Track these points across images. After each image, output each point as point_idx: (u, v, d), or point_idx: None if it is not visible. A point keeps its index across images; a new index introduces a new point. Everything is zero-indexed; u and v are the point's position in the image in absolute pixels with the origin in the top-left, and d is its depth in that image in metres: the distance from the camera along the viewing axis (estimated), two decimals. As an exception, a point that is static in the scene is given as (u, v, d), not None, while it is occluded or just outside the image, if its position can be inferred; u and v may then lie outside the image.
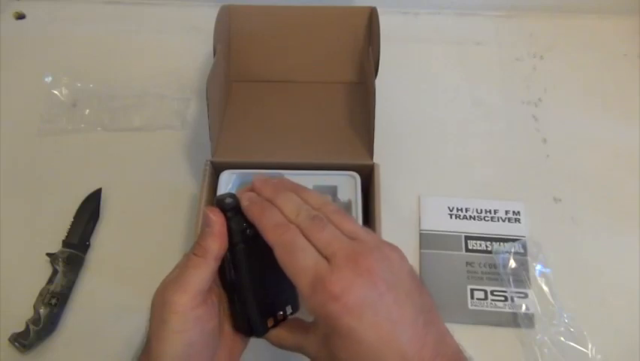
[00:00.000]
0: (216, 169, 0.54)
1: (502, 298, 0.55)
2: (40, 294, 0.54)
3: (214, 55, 0.56)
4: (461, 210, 0.60)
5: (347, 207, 0.51)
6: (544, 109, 0.70)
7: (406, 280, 0.30)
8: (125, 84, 0.70)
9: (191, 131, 0.67)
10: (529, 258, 0.57)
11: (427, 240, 0.59)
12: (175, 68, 0.72)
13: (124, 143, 0.66)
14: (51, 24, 0.78)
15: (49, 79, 0.70)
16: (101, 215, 0.60)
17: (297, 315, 0.37)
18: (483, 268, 0.57)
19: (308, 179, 0.52)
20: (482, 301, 0.55)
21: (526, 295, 0.55)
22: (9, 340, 0.51)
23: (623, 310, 0.55)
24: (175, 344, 0.31)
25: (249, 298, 0.34)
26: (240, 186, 0.53)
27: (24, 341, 0.51)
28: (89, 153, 0.65)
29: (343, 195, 0.52)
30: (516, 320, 0.53)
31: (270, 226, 0.32)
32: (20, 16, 0.79)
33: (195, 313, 0.32)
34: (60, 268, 0.55)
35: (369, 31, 0.63)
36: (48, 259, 0.56)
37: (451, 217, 0.60)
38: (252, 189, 0.35)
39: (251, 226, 0.33)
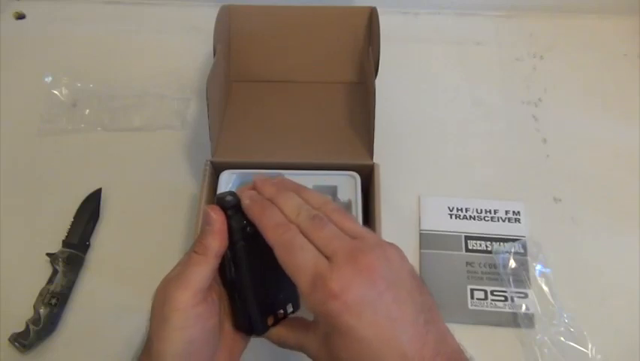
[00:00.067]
0: (216, 169, 0.54)
1: (502, 298, 0.55)
2: (40, 294, 0.54)
3: (214, 55, 0.56)
4: (461, 210, 0.60)
5: (347, 207, 0.51)
6: (544, 109, 0.70)
7: (406, 278, 0.30)
8: (125, 84, 0.70)
9: (191, 131, 0.67)
10: (529, 258, 0.57)
11: (427, 240, 0.59)
12: (175, 68, 0.72)
13: (124, 143, 0.66)
14: (51, 24, 0.78)
15: (49, 79, 0.70)
16: (101, 215, 0.60)
17: (298, 314, 0.37)
18: (483, 268, 0.57)
19: (308, 179, 0.52)
20: (482, 301, 0.55)
21: (526, 295, 0.55)
22: (9, 340, 0.51)
23: (623, 310, 0.55)
24: (176, 342, 0.31)
25: (249, 296, 0.34)
26: (240, 187, 0.53)
27: (24, 341, 0.51)
28: (89, 153, 0.65)
29: (343, 195, 0.52)
30: (516, 320, 0.53)
31: (271, 226, 0.32)
32: (20, 16, 0.79)
33: (196, 310, 0.32)
34: (60, 268, 0.55)
35: (369, 31, 0.63)
36: (48, 259, 0.56)
37: (451, 217, 0.60)
38: (253, 188, 0.35)
39: (251, 223, 0.33)
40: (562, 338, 0.52)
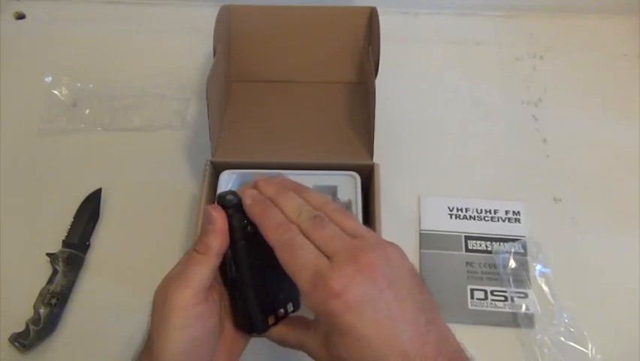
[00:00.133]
0: (216, 169, 0.54)
1: (502, 298, 0.55)
2: (40, 294, 0.54)
3: (214, 55, 0.56)
4: (461, 210, 0.60)
5: (347, 207, 0.51)
6: (544, 109, 0.70)
7: (406, 277, 0.30)
8: (125, 84, 0.70)
9: (191, 131, 0.67)
10: (529, 258, 0.57)
11: (427, 240, 0.59)
12: (175, 68, 0.72)
13: (124, 143, 0.66)
14: (51, 24, 0.78)
15: (49, 79, 0.70)
16: (101, 215, 0.60)
17: (298, 313, 0.37)
18: (483, 268, 0.57)
19: (308, 179, 0.52)
20: (482, 301, 0.55)
21: (526, 295, 0.55)
22: (9, 340, 0.51)
23: (623, 310, 0.55)
24: (176, 341, 0.31)
25: (250, 295, 0.34)
26: (240, 187, 0.53)
27: (24, 341, 0.51)
28: (89, 153, 0.65)
29: (343, 195, 0.52)
30: (516, 320, 0.53)
31: (271, 226, 0.32)
32: (20, 16, 0.79)
33: (197, 310, 0.32)
34: (60, 268, 0.55)
35: (369, 31, 0.63)
36: (48, 259, 0.56)
37: (451, 217, 0.60)
38: (255, 187, 0.35)
39: (252, 223, 0.33)
40: (562, 338, 0.52)
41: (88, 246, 0.58)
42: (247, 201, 0.34)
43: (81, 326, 0.53)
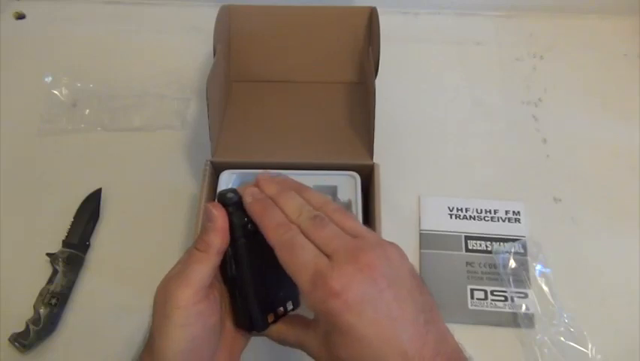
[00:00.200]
0: (216, 169, 0.54)
1: (502, 298, 0.55)
2: (40, 294, 0.54)
3: (214, 55, 0.56)
4: (461, 210, 0.60)
5: (347, 207, 0.51)
6: (544, 109, 0.70)
7: (406, 277, 0.30)
8: (125, 84, 0.70)
9: (191, 131, 0.67)
10: (529, 258, 0.57)
11: (427, 240, 0.59)
12: (175, 68, 0.72)
13: (124, 143, 0.66)
14: (51, 24, 0.78)
15: (49, 79, 0.70)
16: (101, 215, 0.60)
17: (298, 312, 0.37)
18: (483, 268, 0.57)
19: (308, 179, 0.51)
20: (482, 301, 0.55)
21: (526, 295, 0.55)
22: (9, 340, 0.51)
23: (623, 310, 0.55)
24: (178, 339, 0.31)
25: (250, 293, 0.34)
26: (240, 186, 0.53)
27: (24, 341, 0.51)
28: (89, 153, 0.65)
29: (343, 195, 0.52)
30: (516, 320, 0.53)
31: (272, 226, 0.32)
32: (20, 16, 0.79)
33: (198, 308, 0.32)
34: (60, 268, 0.55)
35: (369, 31, 0.63)
36: (48, 259, 0.56)
37: (451, 217, 0.60)
38: (256, 185, 0.35)
39: (252, 221, 0.33)
40: (562, 338, 0.52)
41: (88, 246, 0.58)
42: (248, 199, 0.34)
43: (81, 326, 0.53)
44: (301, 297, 0.37)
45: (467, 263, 0.57)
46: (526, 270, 0.56)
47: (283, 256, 0.31)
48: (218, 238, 0.33)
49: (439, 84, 0.72)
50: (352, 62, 0.65)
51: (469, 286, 0.56)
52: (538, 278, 0.56)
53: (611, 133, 0.67)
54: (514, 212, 0.60)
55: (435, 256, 0.58)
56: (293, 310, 0.37)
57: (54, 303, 0.53)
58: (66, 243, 0.57)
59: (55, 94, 0.69)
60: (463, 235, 0.59)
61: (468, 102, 0.70)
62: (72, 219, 0.59)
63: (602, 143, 0.66)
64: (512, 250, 0.57)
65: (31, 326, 0.51)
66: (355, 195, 0.51)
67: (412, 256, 0.58)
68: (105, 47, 0.75)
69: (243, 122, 0.60)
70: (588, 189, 0.63)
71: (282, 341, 0.35)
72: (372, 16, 0.62)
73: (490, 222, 0.60)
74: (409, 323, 0.28)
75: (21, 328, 0.52)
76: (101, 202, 0.61)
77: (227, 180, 0.53)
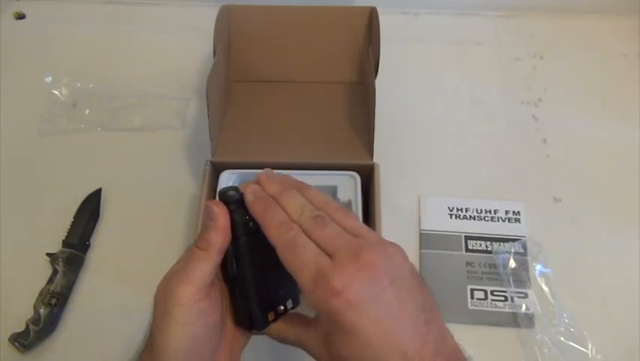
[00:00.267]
0: (216, 169, 0.54)
1: (502, 298, 0.55)
2: (40, 294, 0.54)
3: (214, 55, 0.56)
4: (461, 210, 0.60)
5: (347, 207, 0.51)
6: (544, 109, 0.70)
7: (407, 277, 0.30)
8: (125, 84, 0.70)
9: (191, 131, 0.67)
10: (529, 258, 0.57)
11: (427, 240, 0.59)
12: (175, 68, 0.72)
13: (124, 143, 0.66)
14: (51, 24, 0.78)
15: (49, 79, 0.70)
16: (101, 215, 0.60)
17: (298, 310, 0.37)
18: (483, 268, 0.57)
19: (308, 179, 0.50)
20: (482, 301, 0.55)
21: (526, 295, 0.55)
22: (9, 340, 0.51)
23: (623, 310, 0.55)
24: (179, 337, 0.31)
25: (250, 291, 0.34)
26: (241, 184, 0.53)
27: (24, 341, 0.51)
28: (89, 153, 0.65)
29: (343, 195, 0.52)
30: (516, 320, 0.53)
31: (273, 225, 0.32)
32: (20, 16, 0.79)
33: (199, 306, 0.32)
34: (60, 268, 0.55)
35: (369, 31, 0.63)
36: (48, 259, 0.56)
37: (451, 217, 0.60)
38: (257, 183, 0.35)
39: (253, 218, 0.33)
40: (562, 338, 0.52)
41: (88, 246, 0.58)
42: (249, 197, 0.34)
43: (81, 326, 0.53)
44: (302, 296, 0.37)
45: (467, 263, 0.57)
46: (526, 270, 0.56)
47: (285, 255, 0.31)
48: (220, 236, 0.33)
49: (439, 84, 0.72)
50: (352, 62, 0.65)
51: (469, 286, 0.56)
52: (538, 278, 0.56)
53: (611, 133, 0.67)
54: (514, 212, 0.60)
55: (435, 256, 0.58)
56: (293, 308, 0.37)
57: (54, 303, 0.53)
58: (66, 243, 0.57)
59: (55, 94, 0.69)
60: (463, 235, 0.59)
61: (468, 102, 0.70)
62: (72, 219, 0.59)
63: (602, 143, 0.66)
64: (512, 250, 0.57)
65: (31, 326, 0.51)
66: (355, 195, 0.51)
67: (412, 256, 0.58)
68: (105, 47, 0.75)
69: (243, 122, 0.60)
70: (588, 189, 0.63)
71: (282, 340, 0.35)
72: (372, 16, 0.62)
73: (490, 222, 0.60)
74: (410, 323, 0.29)
75: (21, 328, 0.52)
76: (101, 202, 0.61)
77: (227, 180, 0.53)
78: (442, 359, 0.28)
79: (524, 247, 0.58)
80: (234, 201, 0.34)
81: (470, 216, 0.60)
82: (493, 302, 0.55)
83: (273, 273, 0.34)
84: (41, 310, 0.52)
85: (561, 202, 0.62)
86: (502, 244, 0.58)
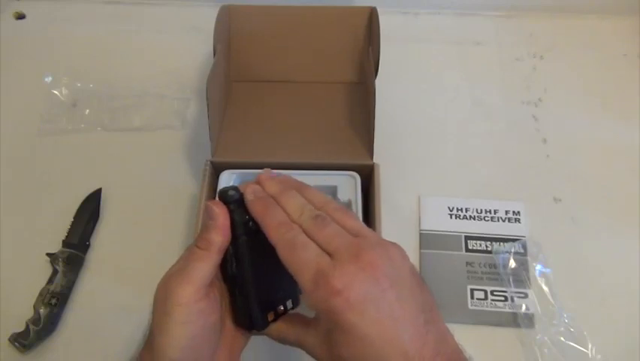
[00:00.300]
0: (216, 169, 0.54)
1: (502, 298, 0.55)
2: (40, 294, 0.54)
3: (214, 55, 0.56)
4: (461, 210, 0.60)
5: (347, 207, 0.51)
6: (544, 109, 0.70)
7: (407, 277, 0.30)
8: (125, 84, 0.70)
9: (191, 131, 0.67)
10: (529, 258, 0.57)
11: (427, 240, 0.59)
12: (175, 68, 0.72)
13: (124, 143, 0.66)
14: (51, 24, 0.78)
15: (49, 79, 0.70)
16: (101, 215, 0.60)
17: (298, 310, 0.37)
18: (483, 268, 0.57)
19: (308, 179, 0.51)
20: (482, 301, 0.55)
21: (526, 295, 0.55)
22: (9, 340, 0.51)
23: (623, 310, 0.55)
24: (178, 336, 0.31)
25: (250, 291, 0.34)
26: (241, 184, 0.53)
27: (24, 341, 0.51)
28: (89, 153, 0.65)
29: (343, 195, 0.52)
30: (516, 320, 0.53)
31: (274, 225, 0.32)
32: (20, 16, 0.79)
33: (198, 306, 0.32)
34: (60, 268, 0.55)
35: (369, 31, 0.63)
36: (48, 259, 0.56)
37: (451, 217, 0.60)
38: (257, 183, 0.35)
39: (253, 218, 0.33)
40: (562, 338, 0.52)
41: (88, 246, 0.58)
42: (249, 197, 0.34)
43: (81, 326, 0.53)
44: (302, 296, 0.37)
45: (467, 263, 0.57)
46: (526, 270, 0.56)
47: (285, 255, 0.31)
48: (220, 236, 0.33)
49: (439, 84, 0.72)
50: (352, 62, 0.65)
51: (469, 286, 0.56)
52: (538, 278, 0.56)
53: (611, 133, 0.67)
54: (514, 212, 0.60)
55: (435, 256, 0.58)
56: (293, 308, 0.36)
57: (54, 303, 0.53)
58: (66, 243, 0.57)
59: (55, 94, 0.69)
60: (463, 235, 0.59)
61: (468, 102, 0.70)
62: (72, 219, 0.59)
63: (602, 143, 0.66)
64: (512, 250, 0.57)
65: (31, 326, 0.51)
66: (355, 195, 0.51)
67: (412, 256, 0.57)
68: (105, 47, 0.75)
69: (243, 122, 0.60)
70: (588, 189, 0.63)
71: (282, 340, 0.35)
72: (372, 16, 0.62)
73: (490, 222, 0.60)
74: (410, 323, 0.29)
75: (21, 328, 0.52)
76: (101, 202, 0.61)
77: (227, 180, 0.53)
78: (442, 359, 0.28)
79: (524, 247, 0.58)
80: (234, 201, 0.34)
81: (470, 216, 0.60)
82: (493, 302, 0.55)
83: (272, 273, 0.34)
84: (41, 310, 0.52)
85: (561, 202, 0.62)
86: (502, 244, 0.58)
